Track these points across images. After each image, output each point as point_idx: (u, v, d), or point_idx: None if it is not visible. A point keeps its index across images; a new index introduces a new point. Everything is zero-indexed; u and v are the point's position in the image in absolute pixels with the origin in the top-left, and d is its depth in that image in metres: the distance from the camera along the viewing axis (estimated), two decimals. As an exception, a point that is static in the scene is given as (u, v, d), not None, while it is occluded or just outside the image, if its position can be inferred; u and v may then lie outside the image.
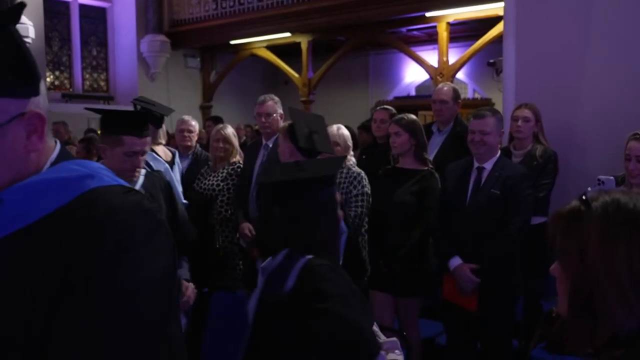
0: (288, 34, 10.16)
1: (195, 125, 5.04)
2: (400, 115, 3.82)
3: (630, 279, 0.92)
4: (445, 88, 4.47)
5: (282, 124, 4.43)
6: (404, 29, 10.38)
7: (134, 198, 1.07)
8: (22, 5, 1.00)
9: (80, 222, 1.00)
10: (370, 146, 5.18)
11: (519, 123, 3.91)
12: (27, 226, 1.00)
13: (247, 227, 4.20)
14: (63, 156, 1.10)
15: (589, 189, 1.05)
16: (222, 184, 4.32)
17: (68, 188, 1.04)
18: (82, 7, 11.70)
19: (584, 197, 1.01)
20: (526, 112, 3.92)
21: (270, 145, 4.37)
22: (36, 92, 1.04)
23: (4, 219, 1.00)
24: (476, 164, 3.44)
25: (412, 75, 13.07)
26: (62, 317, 0.94)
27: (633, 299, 0.91)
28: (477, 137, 3.39)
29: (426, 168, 3.66)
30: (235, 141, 4.57)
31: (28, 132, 1.03)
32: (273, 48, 10.82)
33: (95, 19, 11.96)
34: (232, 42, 10.95)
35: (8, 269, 0.98)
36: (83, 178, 1.06)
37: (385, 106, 5.40)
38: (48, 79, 11.02)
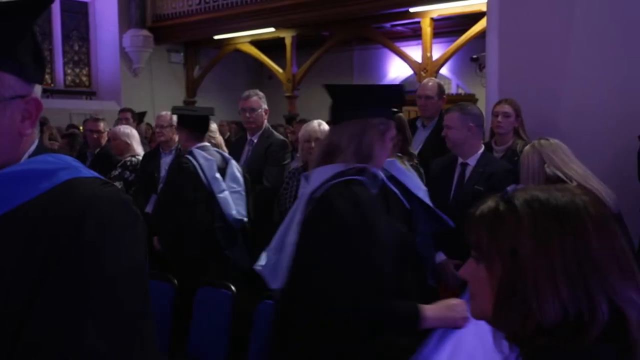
0: (272, 29, 10.14)
1: (175, 120, 4.97)
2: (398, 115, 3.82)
3: (563, 272, 0.94)
4: (430, 83, 4.49)
5: (266, 119, 4.45)
6: (388, 25, 10.40)
7: (111, 189, 1.10)
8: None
9: (59, 211, 1.02)
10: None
11: (499, 118, 3.94)
12: (7, 212, 1.02)
13: None
14: (41, 148, 1.13)
15: (508, 188, 1.06)
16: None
17: (47, 178, 1.06)
18: (64, 1, 11.57)
19: (505, 196, 1.03)
20: (506, 108, 3.95)
21: (255, 141, 4.37)
22: (41, 80, 1.08)
23: None
24: (460, 160, 3.46)
25: (397, 70, 13.10)
26: (42, 301, 0.96)
27: (564, 292, 0.94)
28: (444, 131, 3.42)
29: (411, 163, 3.67)
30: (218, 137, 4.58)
31: (23, 116, 1.06)
32: (257, 43, 10.79)
33: (77, 14, 11.83)
34: (216, 37, 10.90)
35: None
36: (61, 169, 1.08)
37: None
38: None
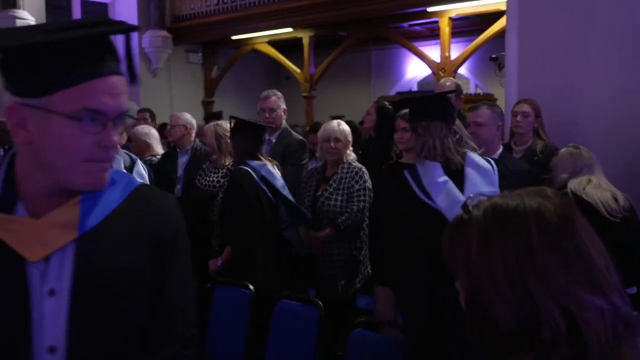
0: (290, 29, 10.15)
1: (190, 120, 4.99)
2: (405, 111, 3.81)
3: (506, 277, 0.93)
4: (448, 83, 4.48)
5: (284, 119, 4.46)
6: (406, 24, 10.36)
7: (166, 192, 1.36)
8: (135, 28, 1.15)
9: (149, 210, 1.25)
10: (367, 141, 5.17)
11: (518, 118, 3.91)
12: (114, 210, 1.20)
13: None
14: None
15: (470, 195, 1.06)
16: (222, 180, 4.27)
17: (128, 183, 1.25)
18: (84, 2, 11.69)
19: (465, 205, 1.03)
20: (525, 107, 3.92)
21: (274, 141, 4.38)
22: None
23: (101, 205, 1.18)
24: (478, 159, 3.44)
25: (414, 70, 13.05)
26: (168, 281, 1.25)
27: (510, 297, 0.93)
28: (471, 129, 3.39)
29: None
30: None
31: None
32: (275, 43, 10.81)
33: (97, 15, 11.95)
34: (234, 37, 10.94)
35: (116, 248, 1.18)
36: (126, 175, 1.30)
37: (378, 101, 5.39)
38: (50, 75, 11.03)
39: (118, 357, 1.17)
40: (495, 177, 2.55)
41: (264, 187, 3.69)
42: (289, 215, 3.83)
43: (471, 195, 1.06)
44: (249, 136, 3.79)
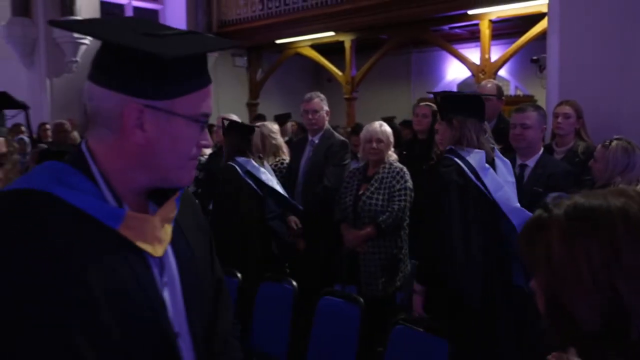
0: (332, 33, 10.16)
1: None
2: None
3: (591, 277, 0.90)
4: (489, 85, 4.41)
5: (327, 120, 4.47)
6: (446, 27, 10.24)
7: None
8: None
9: (190, 201, 1.36)
10: (410, 142, 5.15)
11: (559, 120, 3.83)
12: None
13: (293, 220, 4.24)
14: None
15: (549, 196, 1.03)
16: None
17: None
18: (136, 9, 11.95)
19: (545, 203, 1.00)
20: (566, 109, 3.84)
21: (316, 141, 4.40)
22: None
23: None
24: (519, 161, 3.39)
25: (454, 72, 12.91)
26: (214, 259, 1.39)
27: (595, 298, 0.90)
28: (517, 130, 3.33)
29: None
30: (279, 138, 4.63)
31: None
32: (317, 47, 10.83)
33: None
34: (278, 41, 11.01)
35: (192, 237, 1.28)
36: None
37: (428, 103, 5.35)
38: (104, 78, 11.28)
39: (210, 333, 1.30)
40: (511, 170, 2.95)
41: (249, 181, 3.94)
42: (278, 205, 4.07)
43: (553, 194, 1.04)
44: (239, 135, 4.09)
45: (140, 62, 1.05)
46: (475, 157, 2.81)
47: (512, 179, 2.91)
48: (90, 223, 1.04)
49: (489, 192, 2.75)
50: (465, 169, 2.77)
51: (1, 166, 1.49)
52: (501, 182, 2.80)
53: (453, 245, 2.76)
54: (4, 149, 1.52)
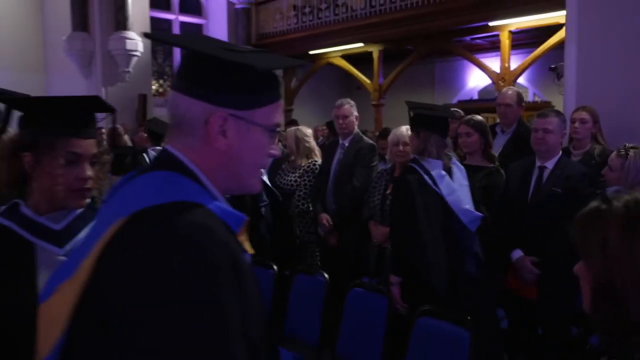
0: (361, 44, 10.15)
1: None
2: (468, 117, 3.74)
3: None
4: (510, 92, 4.33)
5: (356, 124, 4.46)
6: (467, 38, 10.13)
7: None
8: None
9: None
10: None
11: (576, 125, 3.76)
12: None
13: (325, 218, 4.24)
14: None
15: (608, 189, 1.00)
16: (299, 180, 4.37)
17: None
18: (182, 23, 12.11)
19: (605, 195, 0.98)
20: (583, 115, 3.76)
21: (346, 145, 4.39)
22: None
23: None
24: (538, 163, 3.33)
25: (475, 80, 12.75)
26: None
27: None
28: (539, 134, 3.27)
29: (492, 165, 3.57)
30: (311, 141, 4.62)
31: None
32: (347, 57, 10.83)
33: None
34: (311, 52, 11.04)
35: None
36: None
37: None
38: (154, 87, 11.44)
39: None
40: (466, 175, 3.19)
41: None
42: (267, 196, 4.10)
43: (612, 188, 1.03)
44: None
45: (227, 74, 1.05)
46: (434, 166, 3.06)
47: (466, 183, 3.15)
48: (229, 229, 1.02)
49: (443, 196, 3.00)
50: (426, 177, 3.02)
51: (93, 165, 1.49)
52: (455, 186, 3.06)
53: (423, 244, 2.97)
54: (95, 150, 1.52)
